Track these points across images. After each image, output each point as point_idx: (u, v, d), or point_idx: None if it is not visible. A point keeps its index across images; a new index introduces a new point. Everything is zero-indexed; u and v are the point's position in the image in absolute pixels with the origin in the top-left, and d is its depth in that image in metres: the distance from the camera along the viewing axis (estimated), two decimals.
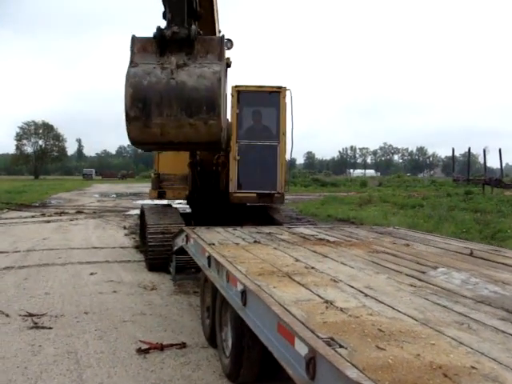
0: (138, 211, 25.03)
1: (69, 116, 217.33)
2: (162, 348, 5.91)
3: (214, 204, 11.70)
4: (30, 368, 5.35)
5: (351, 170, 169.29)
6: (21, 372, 5.24)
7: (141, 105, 5.64)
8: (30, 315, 7.13)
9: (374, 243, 6.07)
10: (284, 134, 10.96)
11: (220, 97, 5.72)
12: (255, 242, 5.96)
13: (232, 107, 10.72)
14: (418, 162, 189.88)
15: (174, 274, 9.33)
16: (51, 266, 10.90)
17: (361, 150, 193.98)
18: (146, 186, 56.83)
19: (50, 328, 6.63)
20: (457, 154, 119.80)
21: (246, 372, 4.80)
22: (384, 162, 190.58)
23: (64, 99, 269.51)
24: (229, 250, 5.34)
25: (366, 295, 3.49)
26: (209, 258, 5.37)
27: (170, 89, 5.69)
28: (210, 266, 5.36)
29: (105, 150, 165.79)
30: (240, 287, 4.01)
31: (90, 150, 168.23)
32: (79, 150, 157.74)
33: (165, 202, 14.47)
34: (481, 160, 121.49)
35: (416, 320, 2.94)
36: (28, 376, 5.14)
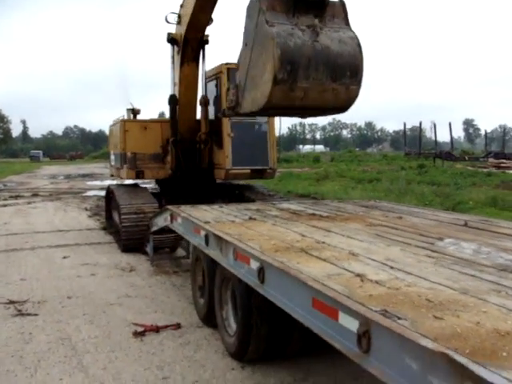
0: (95, 192, 24.77)
1: (12, 97, 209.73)
2: (157, 330, 5.81)
3: (196, 182, 11.53)
4: (26, 357, 5.15)
5: (301, 146, 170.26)
6: (17, 361, 5.04)
7: (289, 67, 5.39)
8: (12, 302, 6.86)
9: (366, 217, 6.09)
10: None
11: (363, 62, 5.69)
12: (250, 218, 5.87)
13: (223, 84, 10.54)
14: (367, 136, 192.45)
15: (152, 254, 9.15)
16: (20, 250, 10.52)
17: (310, 125, 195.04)
18: (96, 167, 55.92)
19: (36, 315, 6.41)
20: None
21: (253, 350, 4.76)
22: (333, 137, 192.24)
23: (5, 80, 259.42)
24: (229, 227, 5.24)
25: (392, 267, 3.47)
26: (206, 236, 5.26)
27: (316, 52, 5.51)
28: (208, 244, 5.25)
29: (51, 131, 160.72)
30: (255, 264, 3.93)
31: (35, 132, 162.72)
32: (24, 132, 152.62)
33: (127, 181, 14.21)
34: (427, 134, 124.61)
35: (454, 290, 2.94)
36: (26, 365, 4.95)
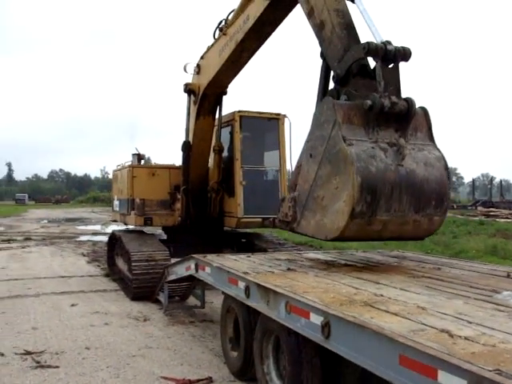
0: (88, 237, 24.42)
1: None
2: None
3: (204, 230, 11.39)
4: None
5: None
6: None
7: (369, 198, 4.79)
8: (28, 353, 6.57)
9: (403, 267, 5.97)
10: (284, 159, 10.91)
11: (449, 189, 5.19)
12: (289, 269, 5.72)
13: (236, 132, 10.57)
14: None
15: (167, 303, 8.90)
16: (24, 297, 10.19)
17: None
18: (84, 211, 55.51)
19: (57, 367, 6.11)
20: None
21: None
22: None
23: None
24: (273, 278, 5.07)
25: (470, 322, 3.35)
26: (247, 287, 5.10)
27: (400, 179, 4.90)
28: (249, 296, 5.08)
29: (36, 175, 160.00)
30: (318, 319, 3.78)
31: (20, 175, 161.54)
32: (9, 174, 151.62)
33: (124, 227, 13.99)
34: None
35: None
36: None
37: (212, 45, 9.47)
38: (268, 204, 10.94)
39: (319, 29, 5.81)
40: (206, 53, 9.87)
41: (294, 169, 6.14)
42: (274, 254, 7.84)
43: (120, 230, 12.79)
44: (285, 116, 10.99)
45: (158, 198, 11.74)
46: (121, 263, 11.93)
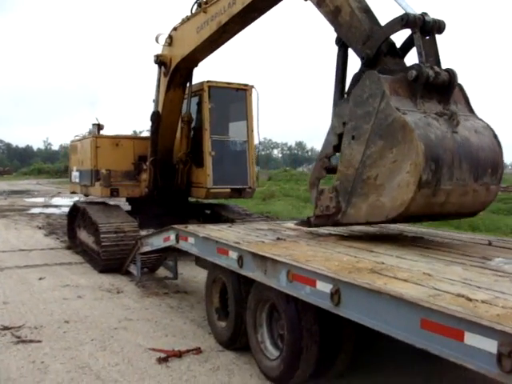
0: (39, 210, 23.75)
1: None
2: (180, 355, 5.54)
3: (170, 202, 11.26)
4: None
5: None
6: None
7: (434, 166, 4.58)
8: (6, 328, 6.38)
9: (385, 236, 6.11)
10: (252, 130, 10.90)
11: (503, 157, 5.07)
12: (278, 239, 5.73)
13: (204, 102, 10.46)
14: (297, 156, 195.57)
15: (140, 275, 8.81)
16: None
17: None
18: (29, 183, 53.69)
19: (39, 341, 5.97)
20: None
21: (301, 373, 4.62)
22: (264, 156, 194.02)
23: None
24: (268, 248, 5.07)
25: (479, 287, 3.46)
26: (240, 257, 5.10)
27: (458, 146, 4.76)
28: (242, 265, 5.08)
29: None
30: (327, 286, 3.83)
31: None
32: None
33: (83, 199, 13.72)
34: None
35: None
36: None
37: (188, 18, 9.24)
38: (236, 175, 10.97)
39: (334, 15, 5.69)
40: (180, 25, 9.62)
41: (315, 164, 6.03)
42: (253, 224, 7.86)
43: (82, 202, 12.52)
44: (252, 87, 11.00)
45: (123, 168, 11.57)
46: (84, 235, 11.67)
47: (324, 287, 3.90)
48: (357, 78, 5.53)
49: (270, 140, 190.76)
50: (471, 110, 5.35)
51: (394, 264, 4.24)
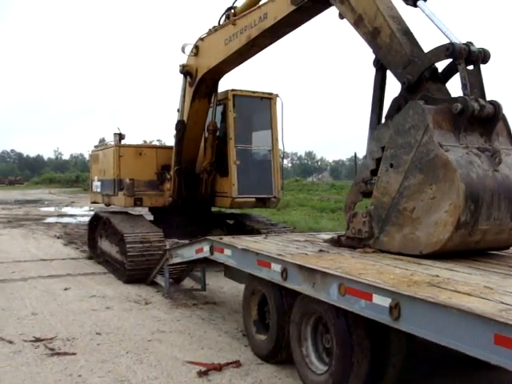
0: (55, 219, 23.77)
1: None
2: (220, 368, 5.42)
3: (194, 211, 11.18)
4: None
5: None
6: None
7: (473, 207, 4.52)
8: (38, 340, 6.28)
9: None
10: (276, 139, 10.80)
11: None
12: (321, 251, 5.61)
13: (229, 111, 10.39)
14: (307, 166, 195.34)
15: (168, 286, 8.69)
16: (11, 281, 9.80)
17: None
18: (40, 193, 53.93)
19: (74, 354, 5.86)
20: (343, 158, 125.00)
21: None
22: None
23: None
24: (315, 260, 4.94)
25: None
26: (285, 269, 4.99)
27: (498, 185, 4.67)
28: (286, 278, 4.97)
29: None
30: (385, 300, 3.71)
31: None
32: None
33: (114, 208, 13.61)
34: None
35: None
36: None
37: (216, 30, 9.18)
38: (261, 184, 10.87)
39: (373, 36, 5.59)
40: (207, 36, 9.57)
41: (351, 187, 5.94)
42: (288, 235, 7.73)
43: (104, 211, 12.41)
44: (277, 96, 10.91)
45: (145, 178, 11.50)
46: (106, 245, 11.60)
47: (381, 301, 3.77)
48: (397, 102, 5.45)
49: (279, 150, 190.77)
50: None
51: (449, 277, 4.11)
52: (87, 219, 24.75)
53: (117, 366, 5.54)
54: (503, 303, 3.27)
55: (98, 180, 13.09)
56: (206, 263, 8.20)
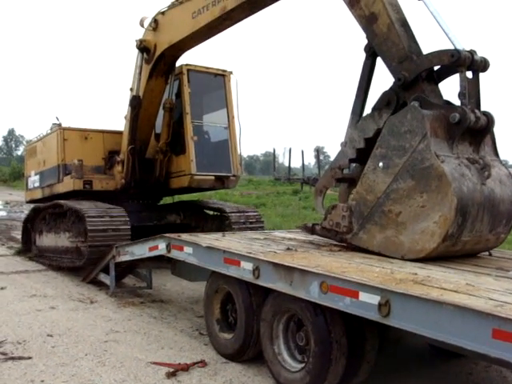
0: None
1: None
2: (187, 368, 5.36)
3: (148, 196, 10.82)
4: None
5: None
6: None
7: (460, 220, 4.61)
8: None
9: None
10: (233, 117, 10.55)
11: None
12: (288, 249, 5.66)
13: (184, 85, 10.04)
14: None
15: (114, 285, 8.45)
16: None
17: None
18: None
19: (30, 358, 5.58)
20: (258, 153, 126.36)
21: None
22: None
23: None
24: (290, 258, 4.97)
25: None
26: (257, 267, 5.01)
27: (484, 199, 4.77)
28: (258, 276, 4.99)
29: None
30: (373, 297, 3.82)
31: None
32: None
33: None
34: (280, 160, 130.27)
35: None
36: None
37: (180, 2, 8.63)
38: (219, 162, 10.60)
39: (369, 21, 5.49)
40: (169, 9, 9.02)
41: (325, 171, 5.92)
42: (244, 233, 7.68)
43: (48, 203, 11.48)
44: (231, 73, 10.69)
45: (92, 163, 10.97)
46: (49, 239, 10.96)
47: (369, 298, 3.88)
48: (388, 96, 5.46)
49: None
50: (496, 154, 5.41)
51: (428, 275, 4.28)
52: (4, 214, 23.84)
53: (79, 369, 5.34)
54: (491, 299, 3.46)
55: (36, 174, 12.47)
56: (152, 261, 8.11)
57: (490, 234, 5.13)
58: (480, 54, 5.18)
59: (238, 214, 10.56)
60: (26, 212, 13.45)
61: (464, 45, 5.08)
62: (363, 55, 5.95)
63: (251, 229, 10.14)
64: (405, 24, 5.44)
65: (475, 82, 5.17)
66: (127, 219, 9.22)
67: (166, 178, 10.61)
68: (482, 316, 3.16)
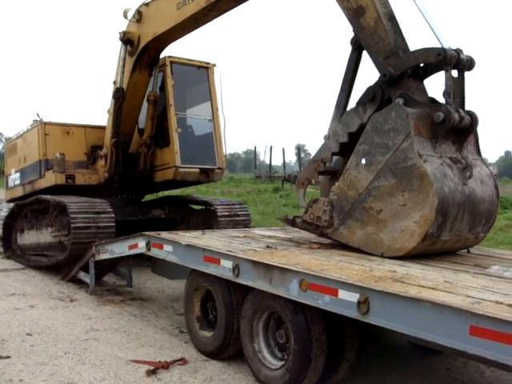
0: None
1: None
2: (167, 366, 5.35)
3: (132, 190, 10.74)
4: None
5: None
6: None
7: (441, 220, 4.63)
8: None
9: None
10: (217, 109, 10.50)
11: (498, 207, 5.10)
12: (268, 247, 5.67)
13: (167, 77, 9.96)
14: None
15: (94, 283, 8.39)
16: None
17: None
18: None
19: (8, 357, 5.52)
20: (239, 151, 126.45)
21: (308, 382, 4.59)
22: None
23: None
24: (269, 256, 4.99)
25: (506, 294, 3.56)
26: (236, 265, 5.01)
27: (465, 199, 4.80)
28: (238, 274, 5.00)
29: None
30: (353, 295, 3.85)
31: None
32: None
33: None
34: (261, 157, 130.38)
35: None
36: None
37: None
38: (203, 154, 10.51)
39: (356, 14, 5.46)
40: (153, 0, 8.88)
41: (308, 164, 5.92)
42: (225, 231, 7.68)
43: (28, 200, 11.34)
44: (214, 65, 10.65)
45: (74, 158, 10.87)
46: (31, 237, 10.83)
47: (348, 296, 3.90)
48: (372, 91, 5.45)
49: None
50: (479, 153, 5.44)
51: (407, 272, 4.33)
52: None
53: (58, 367, 5.30)
54: (469, 296, 3.51)
55: (17, 171, 12.32)
56: (132, 259, 8.10)
57: (470, 234, 5.19)
58: (466, 52, 5.20)
59: (224, 207, 10.50)
60: (6, 210, 13.19)
61: (450, 43, 5.09)
62: (348, 50, 5.96)
63: (238, 222, 10.18)
64: (392, 19, 5.42)
65: (460, 80, 5.19)
66: (110, 209, 9.12)
67: (150, 172, 10.48)
68: (460, 313, 3.20)
